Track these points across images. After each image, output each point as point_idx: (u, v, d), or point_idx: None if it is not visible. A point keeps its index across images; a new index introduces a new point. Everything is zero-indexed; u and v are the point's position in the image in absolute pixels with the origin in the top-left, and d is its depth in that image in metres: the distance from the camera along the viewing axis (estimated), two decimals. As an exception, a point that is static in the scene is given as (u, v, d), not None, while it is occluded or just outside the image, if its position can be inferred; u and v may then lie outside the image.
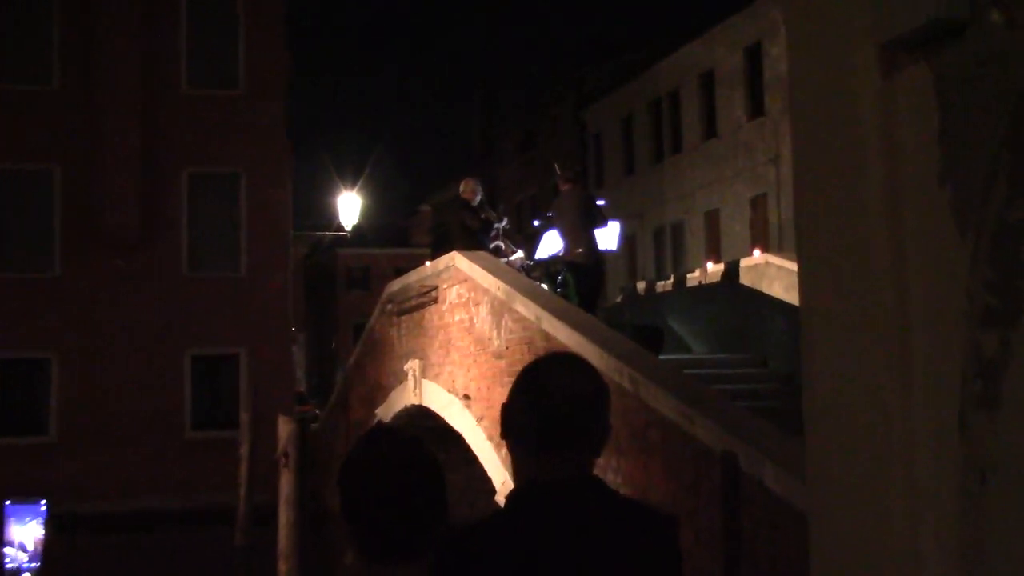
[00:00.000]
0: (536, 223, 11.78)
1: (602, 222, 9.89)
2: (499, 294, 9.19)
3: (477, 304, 9.74)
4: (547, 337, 8.17)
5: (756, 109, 23.29)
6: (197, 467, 17.79)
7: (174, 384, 18.62)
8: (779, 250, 17.91)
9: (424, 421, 10.79)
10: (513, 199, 33.70)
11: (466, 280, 10.02)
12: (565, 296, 9.38)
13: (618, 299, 16.79)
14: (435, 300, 10.85)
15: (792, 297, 10.51)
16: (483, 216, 10.97)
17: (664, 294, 14.77)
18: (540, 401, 1.76)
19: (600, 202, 10.56)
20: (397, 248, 45.73)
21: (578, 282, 9.59)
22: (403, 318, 11.95)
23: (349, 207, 23.94)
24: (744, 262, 13.48)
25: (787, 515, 5.26)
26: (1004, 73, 1.05)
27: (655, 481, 6.62)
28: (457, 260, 10.23)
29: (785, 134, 19.67)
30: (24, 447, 17.79)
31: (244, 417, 14.68)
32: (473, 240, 10.61)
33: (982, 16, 1.07)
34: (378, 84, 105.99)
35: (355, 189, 24.23)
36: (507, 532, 1.72)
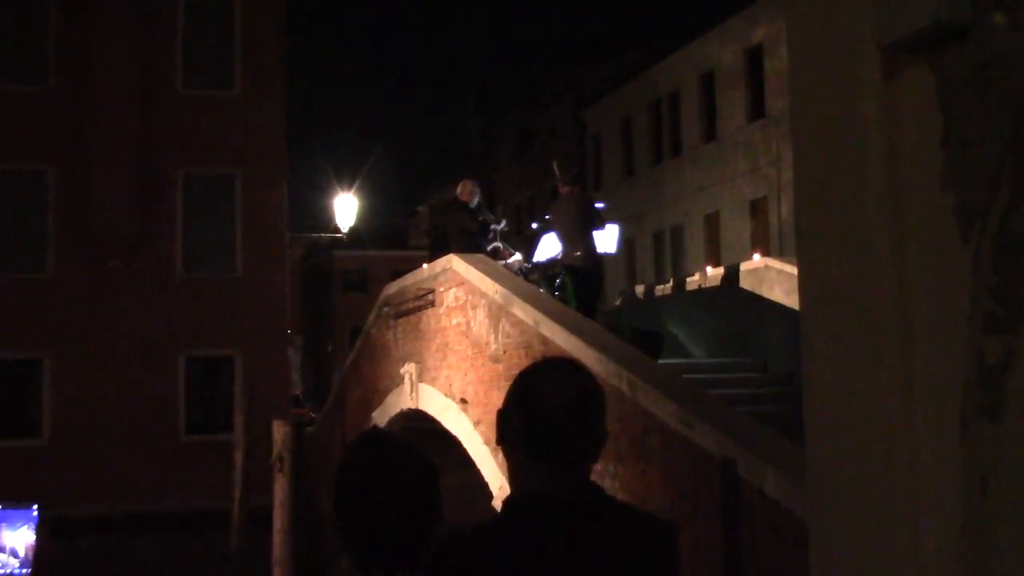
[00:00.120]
0: (534, 225, 11.77)
1: (601, 225, 9.87)
2: (497, 297, 9.18)
3: (474, 307, 9.73)
4: (545, 341, 8.16)
5: (757, 110, 23.24)
6: (192, 471, 17.73)
7: (169, 387, 18.57)
8: (780, 254, 17.93)
9: (421, 425, 10.77)
10: (511, 201, 33.72)
11: (463, 283, 10.00)
12: (563, 300, 9.36)
13: (617, 303, 16.77)
14: (432, 303, 10.83)
15: (793, 301, 10.50)
16: (481, 218, 10.96)
17: (663, 298, 14.75)
18: (534, 407, 1.74)
19: (599, 205, 10.55)
20: (394, 250, 45.71)
21: (576, 285, 9.57)
22: (400, 321, 11.94)
23: (346, 208, 23.92)
24: (744, 266, 13.46)
25: (787, 522, 5.24)
26: (1007, 75, 1.04)
27: (654, 487, 6.61)
28: (454, 263, 10.22)
29: (786, 136, 19.68)
30: (16, 450, 17.71)
31: (239, 420, 14.64)
32: (471, 242, 10.60)
33: (985, 18, 1.06)
34: (376, 85, 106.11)
35: (352, 190, 24.22)
36: (503, 540, 1.71)
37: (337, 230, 25.11)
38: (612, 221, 10.80)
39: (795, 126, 1.32)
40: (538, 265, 10.61)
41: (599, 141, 30.25)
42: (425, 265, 12.02)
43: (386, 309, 12.45)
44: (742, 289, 12.38)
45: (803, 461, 1.30)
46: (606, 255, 10.58)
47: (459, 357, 10.06)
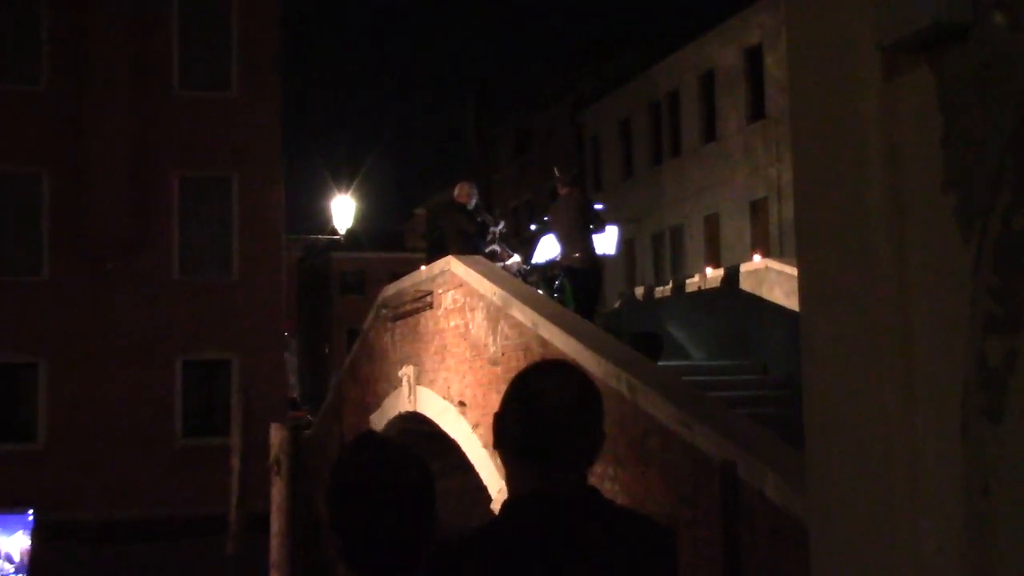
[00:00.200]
0: (533, 227, 11.77)
1: (600, 226, 9.87)
2: (495, 299, 9.17)
3: (473, 309, 9.72)
4: (543, 343, 8.15)
5: (757, 111, 23.22)
6: (188, 475, 17.70)
7: (165, 390, 18.53)
8: (780, 255, 17.89)
9: (419, 427, 10.76)
10: (509, 202, 33.71)
11: (461, 285, 10.00)
12: (562, 301, 9.36)
13: (616, 304, 16.77)
14: (430, 305, 10.83)
15: (793, 303, 10.50)
16: (479, 220, 10.95)
17: (663, 299, 14.75)
18: (533, 407, 1.74)
19: (598, 206, 10.55)
20: (392, 252, 45.72)
21: (575, 287, 9.57)
22: (398, 323, 11.93)
23: (343, 210, 23.89)
24: (744, 267, 13.46)
25: (787, 525, 5.24)
26: (1008, 76, 1.03)
27: (653, 490, 6.60)
28: (452, 265, 10.21)
29: (786, 136, 19.68)
30: (11, 454, 17.65)
31: (236, 424, 14.62)
32: (469, 244, 10.59)
33: (985, 18, 1.06)
34: (373, 86, 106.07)
35: (349, 192, 24.21)
36: (501, 544, 1.70)
37: (334, 232, 25.09)
38: (611, 222, 10.80)
39: (795, 126, 1.32)
40: (537, 267, 10.60)
41: (598, 142, 30.22)
42: (423, 267, 12.02)
43: (384, 311, 12.44)
44: (742, 290, 12.38)
45: (803, 463, 1.29)
46: (605, 256, 10.58)
47: (457, 359, 10.05)
